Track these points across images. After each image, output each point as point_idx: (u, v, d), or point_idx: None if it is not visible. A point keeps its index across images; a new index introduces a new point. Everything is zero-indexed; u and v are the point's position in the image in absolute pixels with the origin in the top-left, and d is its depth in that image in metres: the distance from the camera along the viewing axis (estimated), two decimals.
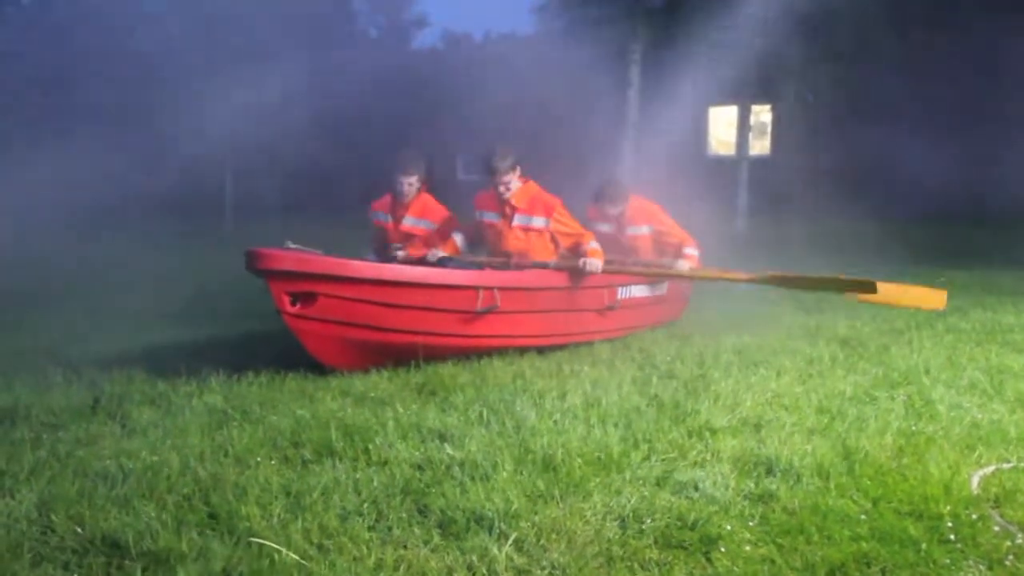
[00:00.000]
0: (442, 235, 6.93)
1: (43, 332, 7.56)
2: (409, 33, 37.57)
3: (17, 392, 5.32)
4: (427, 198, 7.02)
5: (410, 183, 6.88)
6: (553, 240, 6.77)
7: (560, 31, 18.22)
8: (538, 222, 6.72)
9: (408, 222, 6.96)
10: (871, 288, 6.12)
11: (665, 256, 7.82)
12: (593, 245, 6.72)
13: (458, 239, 6.94)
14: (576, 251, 6.73)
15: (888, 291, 7.06)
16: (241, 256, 5.42)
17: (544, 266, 6.68)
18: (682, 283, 8.02)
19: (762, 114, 21.71)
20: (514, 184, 6.68)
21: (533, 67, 14.79)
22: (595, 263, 6.59)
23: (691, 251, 7.68)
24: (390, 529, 3.25)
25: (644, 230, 7.75)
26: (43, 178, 14.74)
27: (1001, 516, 3.33)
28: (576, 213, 7.15)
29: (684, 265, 7.50)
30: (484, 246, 7.00)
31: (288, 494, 3.55)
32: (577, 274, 6.62)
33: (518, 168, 6.71)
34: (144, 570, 2.95)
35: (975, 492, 3.56)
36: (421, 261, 6.65)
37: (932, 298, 7.61)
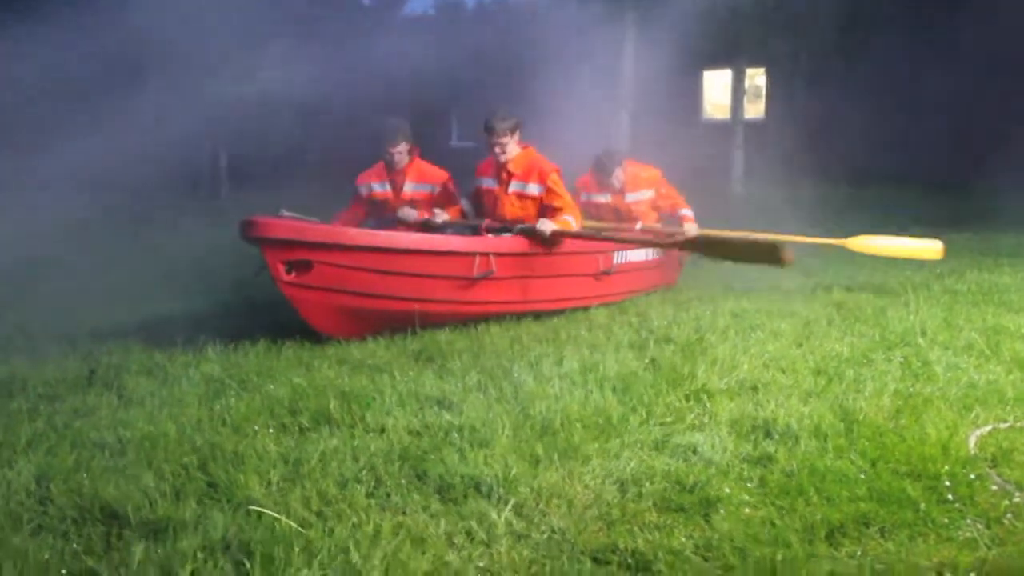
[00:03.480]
0: (447, 199, 6.92)
1: (38, 306, 7.53)
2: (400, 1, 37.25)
3: (13, 364, 5.32)
4: (421, 163, 7.02)
5: (399, 151, 6.86)
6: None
7: None
8: (532, 188, 6.68)
9: (409, 188, 6.94)
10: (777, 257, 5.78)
11: (660, 220, 7.95)
12: (565, 217, 6.57)
13: (464, 204, 6.99)
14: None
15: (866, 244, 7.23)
16: (236, 226, 5.41)
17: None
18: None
19: (756, 77, 21.60)
20: (511, 147, 6.63)
21: (526, 32, 14.72)
22: (546, 224, 6.40)
23: (686, 211, 7.87)
24: (389, 496, 3.25)
25: (645, 195, 7.82)
26: (40, 160, 14.69)
27: (999, 475, 3.34)
28: (571, 178, 7.13)
29: (692, 229, 7.80)
30: (483, 213, 6.97)
31: (286, 462, 3.55)
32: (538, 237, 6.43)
33: (517, 132, 6.65)
34: (143, 539, 2.95)
35: (972, 452, 3.57)
36: (426, 224, 6.68)
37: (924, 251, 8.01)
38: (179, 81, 16.25)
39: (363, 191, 7.06)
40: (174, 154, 15.63)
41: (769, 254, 5.87)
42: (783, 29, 16.58)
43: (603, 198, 7.82)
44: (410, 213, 6.85)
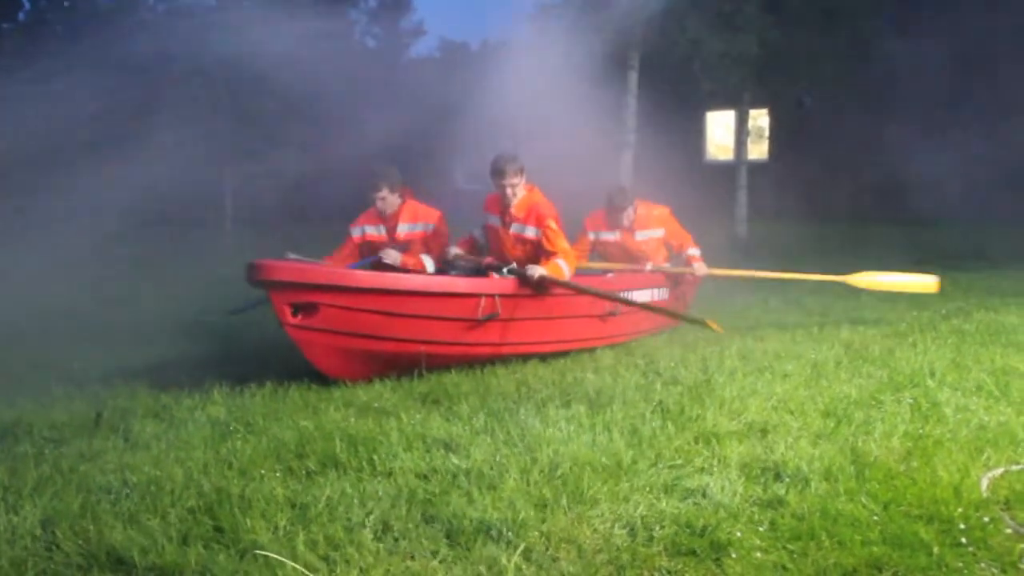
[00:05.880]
0: (439, 238, 6.88)
1: (45, 347, 7.53)
2: (406, 43, 37.64)
3: (20, 407, 5.31)
4: (415, 204, 6.91)
5: (382, 197, 6.79)
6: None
7: (557, 38, 18.22)
8: (529, 232, 6.68)
9: (403, 229, 6.84)
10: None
11: (669, 258, 7.98)
12: (556, 262, 6.50)
13: (477, 234, 7.13)
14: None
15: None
16: (242, 267, 5.42)
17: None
18: (683, 288, 8.09)
19: (759, 118, 21.70)
20: (520, 189, 6.66)
21: (530, 74, 14.84)
22: (535, 269, 6.30)
23: (693, 251, 7.90)
24: (397, 540, 3.22)
25: (655, 233, 7.84)
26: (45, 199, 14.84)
27: (1012, 518, 3.31)
28: (577, 220, 7.14)
29: (701, 268, 7.90)
30: (489, 249, 6.98)
31: (293, 506, 3.53)
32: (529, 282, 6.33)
33: (524, 173, 6.68)
34: None
35: (985, 495, 3.54)
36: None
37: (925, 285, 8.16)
38: (193, 120, 16.44)
39: (356, 234, 6.99)
40: (181, 191, 15.73)
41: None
42: (786, 70, 16.65)
43: (613, 236, 7.83)
44: (392, 255, 6.68)
